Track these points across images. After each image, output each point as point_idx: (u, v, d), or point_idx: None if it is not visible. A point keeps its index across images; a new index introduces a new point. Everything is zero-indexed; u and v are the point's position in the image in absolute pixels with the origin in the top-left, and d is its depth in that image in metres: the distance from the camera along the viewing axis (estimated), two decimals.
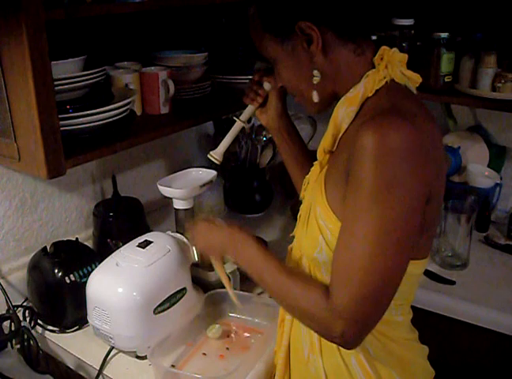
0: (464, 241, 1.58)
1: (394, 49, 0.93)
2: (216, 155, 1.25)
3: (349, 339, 0.85)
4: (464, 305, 1.46)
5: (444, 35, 1.62)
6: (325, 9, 0.89)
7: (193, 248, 1.24)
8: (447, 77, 1.66)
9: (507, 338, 1.41)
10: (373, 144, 0.79)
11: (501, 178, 1.83)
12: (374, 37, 1.69)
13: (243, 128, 1.26)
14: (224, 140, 1.25)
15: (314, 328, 0.91)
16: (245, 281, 1.41)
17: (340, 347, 0.95)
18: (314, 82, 0.93)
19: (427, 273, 1.56)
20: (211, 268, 1.36)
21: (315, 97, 0.95)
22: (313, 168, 1.03)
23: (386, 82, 0.89)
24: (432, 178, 0.85)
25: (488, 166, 1.85)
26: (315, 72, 0.92)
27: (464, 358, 1.50)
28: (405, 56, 0.93)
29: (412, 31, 1.73)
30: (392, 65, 0.90)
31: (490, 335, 1.43)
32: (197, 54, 1.49)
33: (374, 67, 0.92)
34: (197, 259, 1.23)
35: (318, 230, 0.92)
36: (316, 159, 1.02)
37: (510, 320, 1.40)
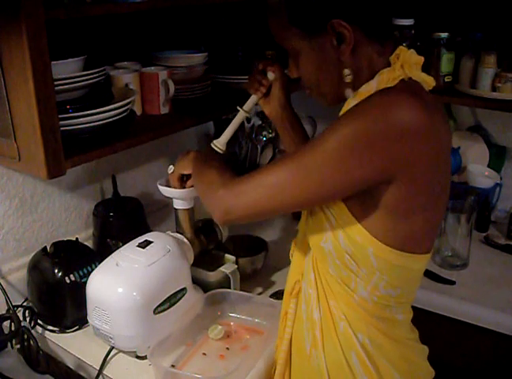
0: (465, 241, 1.58)
1: (412, 50, 0.93)
2: (219, 144, 1.24)
3: (222, 206, 0.93)
4: (464, 305, 1.46)
5: (444, 35, 1.63)
6: (358, 9, 0.89)
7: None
8: (447, 77, 1.66)
9: (507, 338, 1.41)
10: (379, 104, 0.82)
11: (501, 178, 1.83)
12: None
13: (246, 118, 1.27)
14: (227, 129, 1.25)
15: (205, 189, 1.01)
16: (245, 281, 1.41)
17: (342, 343, 0.97)
18: (347, 80, 0.93)
19: (427, 273, 1.56)
20: (211, 268, 1.37)
21: (349, 94, 0.95)
22: None
23: (403, 79, 0.89)
24: (408, 165, 0.84)
25: (488, 166, 1.86)
26: (346, 71, 0.92)
27: (464, 358, 1.50)
28: (422, 59, 0.93)
29: (412, 31, 1.73)
30: (408, 66, 0.90)
31: (490, 335, 1.43)
32: (197, 54, 1.49)
33: (389, 65, 0.92)
34: (170, 171, 1.26)
35: (324, 218, 0.93)
36: None
37: (510, 320, 1.40)
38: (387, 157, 0.82)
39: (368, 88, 0.91)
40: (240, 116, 1.24)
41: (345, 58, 0.91)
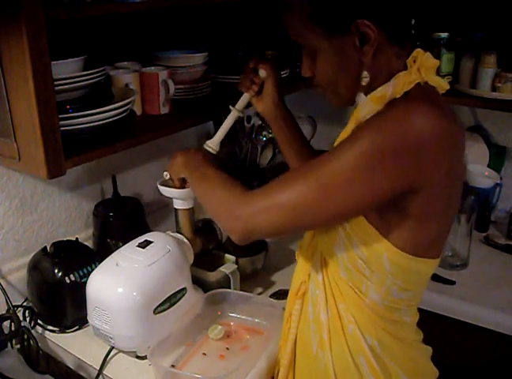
0: (465, 241, 1.58)
1: (428, 53, 0.92)
2: (212, 144, 1.25)
3: (241, 227, 0.91)
4: (464, 305, 1.46)
5: (444, 35, 1.63)
6: (384, 10, 0.88)
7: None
8: (447, 77, 1.66)
9: (507, 338, 1.41)
10: (395, 115, 0.81)
11: (501, 178, 1.83)
12: None
13: (247, 117, 1.27)
14: (220, 129, 1.25)
15: (218, 208, 0.98)
16: (245, 281, 1.41)
17: (350, 345, 0.97)
18: (363, 83, 0.91)
19: None
20: (211, 268, 1.37)
21: (361, 98, 0.93)
22: None
23: (419, 84, 0.89)
24: (430, 174, 0.84)
25: (488, 166, 1.86)
26: (365, 73, 0.91)
27: (464, 358, 1.50)
28: (437, 62, 0.92)
29: (413, 31, 1.73)
30: (424, 70, 0.90)
31: (490, 335, 1.43)
32: (197, 54, 1.49)
33: (406, 68, 0.91)
34: (166, 177, 1.25)
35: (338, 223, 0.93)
36: (316, 152, 1.02)
37: (510, 320, 1.40)
38: (410, 169, 0.82)
39: (384, 92, 0.89)
40: (233, 115, 1.25)
41: (367, 60, 0.89)
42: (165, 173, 1.24)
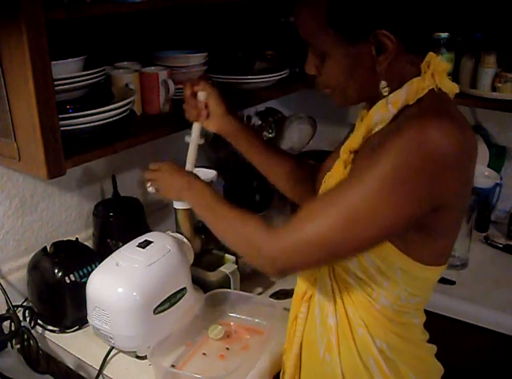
0: (465, 241, 1.58)
1: (440, 57, 0.92)
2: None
3: (275, 266, 0.90)
4: (464, 305, 1.46)
5: (444, 35, 1.62)
6: (403, 21, 0.87)
7: (149, 183, 1.21)
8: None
9: (507, 338, 1.41)
10: (414, 133, 0.80)
11: (501, 178, 1.83)
12: None
13: (247, 117, 1.24)
14: (188, 160, 1.25)
15: (245, 250, 0.96)
16: (245, 281, 1.41)
17: (359, 349, 0.97)
18: (385, 94, 0.90)
19: None
20: (211, 268, 1.37)
21: (392, 110, 0.90)
22: (335, 166, 0.99)
23: (433, 90, 0.88)
24: (451, 190, 0.84)
25: (488, 166, 1.85)
26: (383, 83, 0.89)
27: (464, 358, 1.50)
28: (448, 66, 0.92)
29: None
30: (438, 75, 0.89)
31: (490, 335, 1.43)
32: (197, 54, 1.49)
33: (419, 73, 0.90)
34: (149, 190, 1.20)
35: None
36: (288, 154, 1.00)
37: (510, 320, 1.40)
38: (433, 188, 0.82)
39: (396, 98, 0.89)
40: (193, 145, 1.24)
41: (382, 69, 0.88)
42: (149, 186, 1.19)
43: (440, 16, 0.92)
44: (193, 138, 1.23)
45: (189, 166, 1.25)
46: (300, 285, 1.07)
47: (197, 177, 1.12)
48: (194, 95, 1.20)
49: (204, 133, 1.25)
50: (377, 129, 0.91)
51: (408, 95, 0.88)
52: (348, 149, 0.96)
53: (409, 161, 0.80)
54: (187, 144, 1.24)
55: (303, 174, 1.22)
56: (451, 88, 0.92)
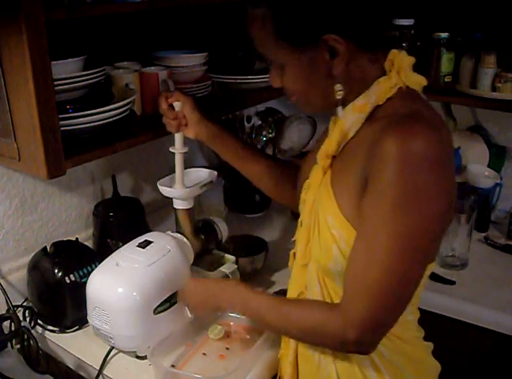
0: (465, 241, 1.58)
1: (403, 52, 0.91)
2: (179, 186, 1.28)
3: (365, 347, 0.88)
4: (464, 305, 1.46)
5: (444, 35, 1.63)
6: (350, 22, 0.87)
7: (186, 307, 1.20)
8: (447, 77, 1.66)
9: (507, 338, 1.41)
10: (397, 150, 0.79)
11: (501, 178, 1.83)
12: None
13: (247, 117, 1.25)
14: (176, 171, 1.27)
15: (328, 344, 0.93)
16: (245, 281, 1.41)
17: None
18: (338, 97, 0.90)
19: None
20: (211, 268, 1.37)
21: (340, 113, 0.92)
22: (314, 172, 1.00)
23: (400, 88, 0.88)
24: (452, 187, 0.86)
25: (488, 166, 1.86)
26: (338, 86, 0.89)
27: (464, 358, 1.50)
28: (413, 59, 0.92)
29: (412, 31, 1.73)
30: (404, 71, 0.89)
31: (490, 335, 1.43)
32: (197, 54, 1.49)
33: (385, 73, 0.90)
34: (190, 315, 1.20)
35: (332, 240, 0.90)
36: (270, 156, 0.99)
37: (510, 320, 1.40)
38: (446, 190, 0.83)
39: (366, 100, 0.89)
40: (179, 156, 1.26)
41: (338, 72, 0.88)
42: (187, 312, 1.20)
43: (388, 12, 0.91)
44: (178, 148, 1.25)
45: (178, 177, 1.27)
46: (291, 292, 1.07)
47: (221, 279, 1.12)
48: (170, 107, 1.21)
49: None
50: (352, 134, 0.91)
51: (377, 95, 0.88)
52: (324, 155, 0.96)
53: (409, 180, 0.79)
54: (173, 154, 1.27)
55: (283, 174, 1.23)
56: (419, 81, 0.91)
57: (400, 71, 0.89)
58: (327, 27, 0.85)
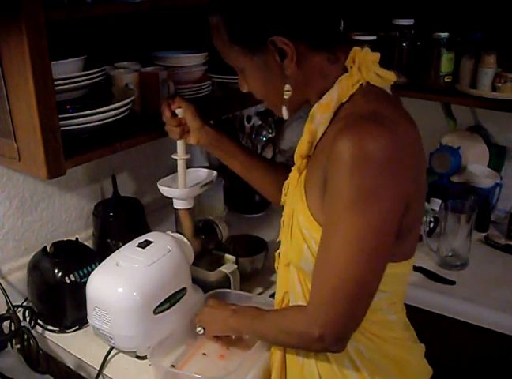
0: (465, 241, 1.58)
1: (366, 49, 0.91)
2: (184, 191, 1.28)
3: (332, 345, 0.89)
4: (464, 305, 1.46)
5: (444, 35, 1.62)
6: (297, 23, 0.87)
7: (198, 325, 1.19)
8: (447, 77, 1.66)
9: (507, 338, 1.41)
10: (350, 152, 0.79)
11: (501, 178, 1.83)
12: (374, 37, 1.69)
13: (247, 117, 1.25)
14: (179, 180, 1.28)
15: (300, 344, 0.95)
16: (245, 281, 1.41)
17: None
18: (286, 97, 0.92)
19: (427, 273, 1.56)
20: (211, 268, 1.37)
21: (285, 113, 0.94)
22: (291, 173, 1.02)
23: (362, 85, 0.88)
24: (409, 186, 0.85)
25: (488, 166, 1.85)
26: (287, 86, 0.91)
27: (464, 358, 1.50)
28: (378, 55, 0.91)
29: (412, 31, 1.73)
30: (365, 67, 0.89)
31: (490, 336, 1.43)
32: (197, 54, 1.49)
33: (347, 71, 0.90)
34: (197, 331, 1.19)
35: (303, 239, 0.92)
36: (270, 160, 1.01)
37: (510, 320, 1.40)
38: (401, 190, 0.83)
39: (329, 98, 0.90)
40: (182, 163, 1.26)
41: (291, 73, 0.89)
42: (199, 329, 1.18)
43: (336, 10, 0.90)
44: (181, 154, 1.26)
45: (181, 182, 1.27)
46: (278, 292, 1.08)
47: (239, 306, 1.13)
48: (173, 114, 1.21)
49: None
50: (320, 133, 0.92)
51: (340, 93, 0.89)
52: (299, 156, 0.97)
53: (362, 180, 0.80)
54: (175, 161, 1.27)
55: (284, 179, 1.22)
56: (387, 76, 0.91)
57: (362, 67, 0.89)
58: (274, 29, 0.86)
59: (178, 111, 1.20)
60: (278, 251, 1.08)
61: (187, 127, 1.21)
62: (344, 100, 0.89)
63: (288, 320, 0.95)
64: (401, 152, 0.82)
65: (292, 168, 1.02)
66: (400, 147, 0.82)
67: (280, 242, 1.07)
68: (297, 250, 0.94)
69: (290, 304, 1.04)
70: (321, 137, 0.92)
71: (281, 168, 1.23)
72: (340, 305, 0.85)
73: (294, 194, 0.98)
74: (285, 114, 0.95)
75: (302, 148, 0.95)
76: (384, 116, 0.84)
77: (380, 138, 0.79)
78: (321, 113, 0.90)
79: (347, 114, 0.87)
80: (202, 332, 1.17)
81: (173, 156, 1.26)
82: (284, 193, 1.05)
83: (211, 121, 1.31)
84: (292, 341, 0.96)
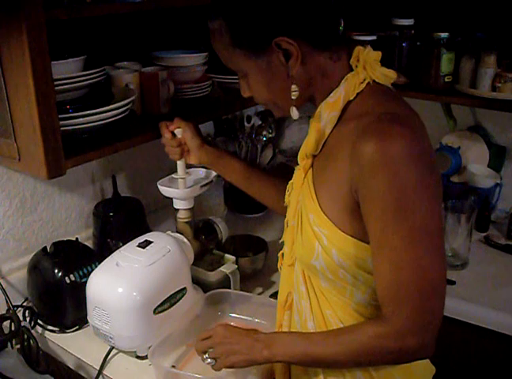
0: (465, 241, 1.58)
1: (368, 48, 0.92)
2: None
3: (428, 349, 0.87)
4: (464, 305, 1.46)
5: (444, 35, 1.62)
6: (300, 23, 0.87)
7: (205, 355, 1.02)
8: (447, 77, 1.66)
9: (507, 338, 1.41)
10: (379, 157, 0.80)
11: (501, 178, 1.83)
12: (374, 37, 1.69)
13: (247, 117, 1.25)
14: (179, 180, 1.29)
15: (388, 360, 0.90)
16: (245, 281, 1.41)
17: None
18: (293, 97, 0.91)
19: None
20: (211, 268, 1.37)
21: (295, 114, 0.94)
22: (296, 173, 1.02)
23: (369, 83, 0.89)
24: (439, 178, 0.86)
25: (488, 166, 1.86)
26: (293, 87, 0.91)
27: (464, 358, 1.50)
28: (379, 53, 0.92)
29: (412, 31, 1.73)
30: (370, 66, 0.90)
31: (490, 335, 1.43)
32: (197, 54, 1.49)
33: (352, 69, 0.91)
34: (207, 363, 1.01)
35: (314, 237, 0.91)
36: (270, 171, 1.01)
37: (510, 320, 1.40)
38: (436, 181, 0.84)
39: (336, 97, 0.90)
40: (182, 182, 1.28)
41: (295, 73, 0.89)
42: (206, 358, 1.00)
43: (337, 9, 0.91)
44: (181, 174, 1.27)
45: (182, 182, 1.28)
46: (281, 293, 1.07)
47: (252, 330, 0.99)
48: (173, 134, 1.22)
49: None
50: (328, 131, 0.92)
51: (347, 91, 0.89)
52: (303, 155, 0.98)
53: (399, 179, 0.80)
54: (176, 181, 1.28)
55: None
56: (388, 74, 0.92)
57: (366, 66, 0.90)
58: (278, 30, 0.87)
59: (178, 131, 1.21)
60: (281, 252, 1.07)
61: (187, 147, 1.22)
62: (351, 98, 0.89)
63: (366, 339, 0.86)
64: (425, 144, 0.84)
65: (296, 168, 1.02)
66: (423, 140, 0.84)
67: (283, 243, 1.07)
68: (309, 248, 0.93)
69: (294, 304, 1.03)
70: (328, 136, 0.92)
71: (284, 180, 1.23)
72: (428, 310, 0.83)
73: (301, 194, 0.97)
74: (295, 114, 0.95)
75: (308, 147, 0.96)
76: (398, 114, 0.85)
77: (405, 136, 0.80)
78: (328, 111, 0.91)
79: (359, 114, 0.87)
80: (214, 363, 0.99)
81: (174, 176, 1.28)
82: (287, 193, 1.05)
83: (211, 121, 1.31)
84: (375, 359, 0.90)
